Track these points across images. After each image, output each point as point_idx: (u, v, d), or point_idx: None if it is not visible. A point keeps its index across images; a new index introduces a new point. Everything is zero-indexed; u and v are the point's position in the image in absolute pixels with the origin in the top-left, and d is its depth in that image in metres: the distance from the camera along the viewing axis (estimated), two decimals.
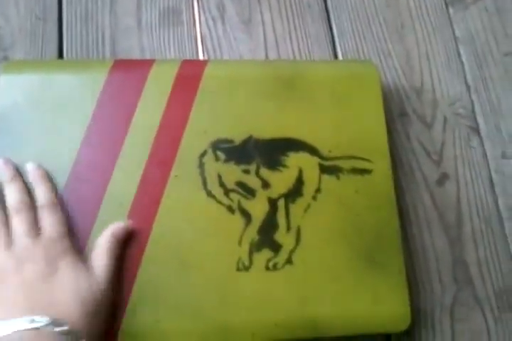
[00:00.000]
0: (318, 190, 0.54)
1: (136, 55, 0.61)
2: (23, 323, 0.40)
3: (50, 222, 0.47)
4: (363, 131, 0.57)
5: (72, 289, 0.44)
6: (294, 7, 0.66)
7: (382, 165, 0.56)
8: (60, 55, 0.61)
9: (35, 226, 0.46)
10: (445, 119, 0.64)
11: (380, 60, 0.65)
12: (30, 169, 0.50)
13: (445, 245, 0.59)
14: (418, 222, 0.59)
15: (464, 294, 0.57)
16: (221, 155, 0.53)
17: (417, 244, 0.58)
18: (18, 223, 0.45)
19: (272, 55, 0.63)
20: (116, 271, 0.47)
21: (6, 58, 0.59)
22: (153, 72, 0.55)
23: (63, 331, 0.40)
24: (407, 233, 0.58)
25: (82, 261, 0.47)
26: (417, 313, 0.55)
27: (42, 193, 0.48)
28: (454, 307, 0.56)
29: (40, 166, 0.50)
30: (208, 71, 0.56)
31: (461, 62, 0.67)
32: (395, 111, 0.63)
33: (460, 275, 0.57)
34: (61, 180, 0.52)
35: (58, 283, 0.44)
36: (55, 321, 0.41)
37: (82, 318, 0.43)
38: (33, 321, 0.40)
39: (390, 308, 0.51)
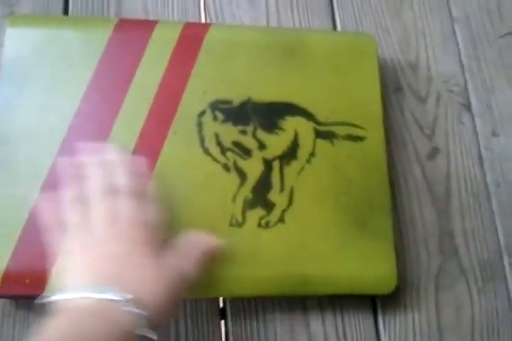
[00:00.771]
0: (312, 154, 0.54)
1: (140, 17, 0.62)
2: (100, 291, 0.36)
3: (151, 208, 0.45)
4: (359, 99, 0.58)
5: (170, 278, 0.41)
6: None
7: (375, 134, 0.57)
8: (66, 12, 0.61)
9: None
10: (439, 95, 0.65)
11: (378, 35, 0.66)
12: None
13: (433, 216, 0.59)
14: (408, 193, 0.60)
15: (450, 264, 0.58)
16: (219, 115, 0.54)
17: (405, 215, 0.59)
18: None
19: (273, 25, 0.64)
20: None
21: (12, 14, 0.60)
22: (156, 32, 0.56)
23: (140, 315, 0.36)
24: (396, 203, 0.59)
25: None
26: (403, 280, 0.56)
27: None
28: (439, 276, 0.57)
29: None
30: (210, 34, 0.57)
31: (457, 42, 0.68)
32: (390, 85, 0.64)
33: (446, 246, 0.58)
34: (60, 133, 0.52)
35: (160, 267, 0.41)
36: (138, 301, 0.37)
37: (163, 307, 0.39)
38: (113, 293, 0.36)
39: (377, 271, 0.52)
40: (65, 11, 0.61)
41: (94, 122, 0.52)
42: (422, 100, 0.64)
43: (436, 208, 0.60)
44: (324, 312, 0.54)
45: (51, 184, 0.50)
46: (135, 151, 0.52)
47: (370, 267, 0.52)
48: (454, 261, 0.58)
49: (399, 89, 0.64)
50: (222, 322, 0.52)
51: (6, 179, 0.50)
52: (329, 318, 0.54)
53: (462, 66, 0.67)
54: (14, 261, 0.48)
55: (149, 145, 0.52)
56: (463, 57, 0.67)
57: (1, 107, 0.52)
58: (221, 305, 0.53)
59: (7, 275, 0.48)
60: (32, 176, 0.50)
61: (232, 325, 0.52)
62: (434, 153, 0.62)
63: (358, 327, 0.54)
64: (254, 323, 0.53)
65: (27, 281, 0.47)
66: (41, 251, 0.46)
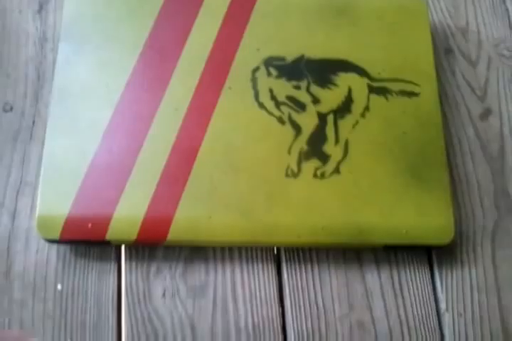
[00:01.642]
0: (366, 108, 0.54)
1: None
2: None
3: None
4: (412, 57, 0.57)
5: None
6: None
7: (429, 89, 0.56)
8: None
9: None
10: (489, 59, 0.64)
11: (428, 1, 0.65)
12: None
13: (487, 175, 0.58)
14: (462, 153, 0.59)
15: (506, 222, 0.57)
16: (273, 71, 0.54)
17: (460, 173, 0.58)
18: None
19: None
20: None
21: None
22: None
23: None
24: (450, 162, 0.58)
25: None
26: (459, 236, 0.55)
27: None
28: (496, 233, 0.56)
29: None
30: None
31: (506, 9, 0.67)
32: (441, 47, 0.63)
33: (502, 204, 0.57)
34: (119, 86, 0.53)
35: None
36: None
37: None
38: None
39: (434, 221, 0.51)
40: None
41: (151, 79, 0.53)
42: (473, 63, 0.63)
43: (490, 167, 0.59)
44: (380, 264, 0.53)
45: (111, 135, 0.51)
46: (192, 103, 0.52)
47: (427, 217, 0.52)
48: (510, 218, 0.56)
49: (449, 51, 0.63)
50: (278, 274, 0.51)
51: (68, 130, 0.51)
52: (385, 271, 0.53)
53: None
54: (76, 206, 0.49)
55: (205, 99, 0.52)
56: None
57: (61, 63, 0.53)
58: (277, 256, 0.52)
59: (70, 220, 0.48)
60: (92, 128, 0.51)
61: (288, 277, 0.52)
62: (486, 113, 0.61)
63: (414, 281, 0.53)
64: (310, 275, 0.52)
65: (89, 226, 0.47)
66: (103, 197, 0.46)
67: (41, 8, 0.61)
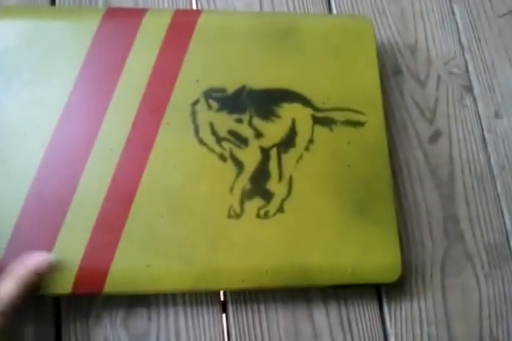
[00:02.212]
0: (310, 141, 0.52)
1: (129, 5, 0.59)
2: None
3: None
4: (357, 83, 0.55)
5: None
6: None
7: (375, 118, 0.54)
8: (53, 3, 0.58)
9: None
10: (439, 78, 0.62)
11: (375, 18, 0.63)
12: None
13: (437, 201, 0.57)
14: (410, 178, 0.58)
15: (455, 249, 0.56)
16: (214, 103, 0.52)
17: (408, 200, 0.57)
18: None
19: (267, 10, 0.61)
20: (22, 297, 0.42)
21: None
22: (146, 20, 0.54)
23: None
24: (399, 189, 0.56)
25: None
26: (408, 267, 0.54)
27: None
28: (445, 262, 0.55)
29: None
30: (202, 21, 0.55)
31: (456, 22, 0.65)
32: (389, 68, 0.61)
33: (451, 231, 0.56)
34: (50, 125, 0.50)
35: None
36: None
37: None
38: None
39: (380, 259, 0.50)
40: (52, 2, 0.58)
41: (85, 114, 0.50)
42: (422, 83, 0.62)
43: (439, 192, 0.57)
44: (328, 302, 0.52)
45: (41, 180, 0.48)
46: (127, 142, 0.49)
47: (373, 255, 0.50)
48: (460, 246, 0.56)
49: (398, 72, 0.61)
50: (224, 316, 0.49)
51: None
52: (333, 309, 0.52)
53: (462, 47, 0.64)
54: (7, 257, 0.46)
55: (142, 136, 0.50)
56: (462, 38, 0.65)
57: None
58: (222, 298, 0.50)
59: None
60: (21, 173, 0.48)
61: (234, 319, 0.50)
62: (436, 136, 0.60)
63: (363, 317, 0.52)
64: (257, 316, 0.51)
65: None
66: (34, 248, 0.45)
67: None
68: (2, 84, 0.50)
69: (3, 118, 0.49)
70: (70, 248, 0.46)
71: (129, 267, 0.46)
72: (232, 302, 0.51)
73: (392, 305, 0.53)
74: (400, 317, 0.53)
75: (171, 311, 0.50)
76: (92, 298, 0.49)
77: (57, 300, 0.50)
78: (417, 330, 0.53)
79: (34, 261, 0.44)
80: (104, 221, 0.47)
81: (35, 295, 0.45)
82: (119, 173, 0.49)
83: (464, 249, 0.56)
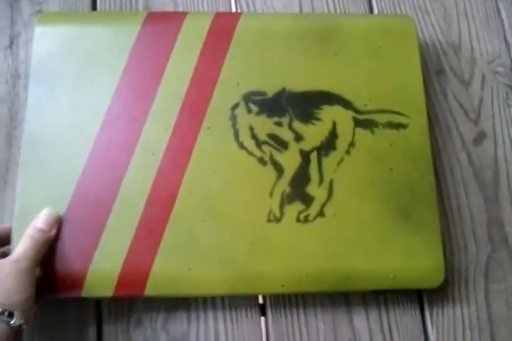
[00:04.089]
0: (352, 144, 0.50)
1: (169, 9, 0.58)
2: None
3: None
4: (400, 85, 0.53)
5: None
6: None
7: (418, 120, 0.52)
8: (94, 8, 0.58)
9: None
10: (483, 77, 0.59)
11: (417, 17, 0.61)
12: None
13: (481, 204, 0.55)
14: (454, 182, 0.55)
15: (500, 254, 0.53)
16: (253, 107, 0.50)
17: (452, 204, 0.54)
18: None
19: (306, 11, 0.59)
20: (37, 254, 0.44)
21: (40, 11, 0.57)
22: (187, 24, 0.53)
23: None
24: (442, 192, 0.54)
25: None
26: (451, 272, 0.52)
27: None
28: (489, 267, 0.53)
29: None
30: (241, 23, 0.53)
31: (501, 20, 0.62)
32: (432, 68, 0.59)
33: (496, 235, 0.54)
34: (92, 130, 0.50)
35: None
36: None
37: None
38: None
39: (423, 264, 0.48)
40: (93, 7, 0.58)
41: (126, 119, 0.49)
42: (466, 83, 0.59)
43: (483, 196, 0.55)
44: (368, 307, 0.51)
45: (84, 185, 0.48)
46: (168, 147, 0.49)
47: (415, 260, 0.49)
48: (505, 250, 0.53)
49: (441, 72, 0.59)
50: (263, 319, 0.48)
51: (40, 180, 0.48)
52: (373, 314, 0.50)
53: (508, 45, 0.61)
54: (51, 261, 0.47)
55: (182, 140, 0.49)
56: (508, 36, 0.62)
57: (32, 107, 0.50)
58: (261, 301, 0.49)
59: (44, 276, 0.46)
60: (65, 177, 0.48)
61: (273, 323, 0.49)
62: (480, 138, 0.57)
63: (404, 323, 0.50)
64: (296, 320, 0.50)
65: (65, 282, 0.47)
66: (77, 252, 0.47)
67: (12, 42, 0.57)
68: (45, 90, 0.50)
69: (46, 124, 0.49)
70: (112, 252, 0.46)
71: (170, 270, 0.46)
72: (271, 306, 0.50)
73: (434, 311, 0.51)
74: (441, 322, 0.51)
75: (210, 315, 0.50)
76: (133, 301, 0.49)
77: (99, 303, 0.49)
78: (460, 336, 0.51)
79: (41, 220, 0.46)
80: (145, 225, 0.46)
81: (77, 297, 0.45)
82: (160, 178, 0.48)
83: (508, 254, 0.54)
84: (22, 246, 0.43)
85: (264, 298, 0.50)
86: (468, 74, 0.60)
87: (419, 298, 0.51)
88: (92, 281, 0.45)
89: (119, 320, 0.48)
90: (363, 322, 0.50)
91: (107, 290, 0.45)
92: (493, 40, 0.62)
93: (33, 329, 0.48)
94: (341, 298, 0.50)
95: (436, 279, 0.48)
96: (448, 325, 0.51)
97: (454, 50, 0.61)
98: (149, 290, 0.45)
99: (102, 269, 0.46)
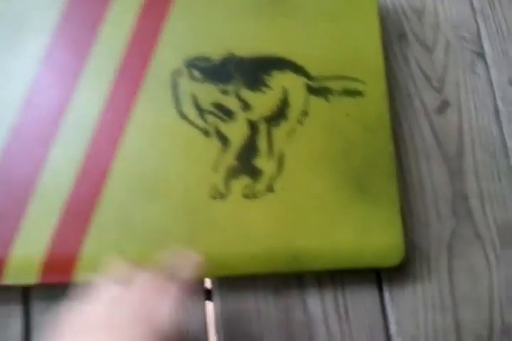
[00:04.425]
0: (304, 113, 0.46)
1: None
2: None
3: None
4: (356, 50, 0.49)
5: None
6: None
7: (376, 87, 0.48)
8: None
9: None
10: (448, 43, 0.55)
11: None
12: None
13: (444, 177, 0.51)
14: (415, 153, 0.51)
15: (464, 229, 0.50)
16: (197, 74, 0.45)
17: (413, 177, 0.50)
18: None
19: None
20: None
21: None
22: None
23: None
24: (403, 164, 0.50)
25: None
26: (412, 249, 0.48)
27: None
28: (453, 243, 0.49)
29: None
30: None
31: None
32: (394, 33, 0.55)
33: (460, 209, 0.50)
34: (17, 100, 0.45)
35: None
36: None
37: None
38: None
39: (381, 241, 0.44)
40: None
41: (55, 88, 0.44)
42: (429, 49, 0.55)
43: (447, 168, 0.51)
44: (323, 288, 0.47)
45: (7, 159, 0.44)
46: (101, 118, 0.43)
47: (373, 237, 0.45)
48: (469, 225, 0.50)
49: (403, 37, 0.54)
50: (211, 304, 0.44)
51: None
52: (329, 296, 0.47)
53: (473, 9, 0.58)
54: None
55: (117, 111, 0.44)
56: (474, 0, 0.56)
57: None
58: (208, 286, 0.44)
59: None
60: None
61: (221, 308, 0.44)
62: (444, 107, 0.53)
63: (361, 304, 0.47)
64: (246, 304, 0.45)
65: None
66: None
67: None
68: None
69: None
70: (36, 235, 0.41)
71: (101, 254, 0.41)
72: (218, 290, 0.45)
73: (394, 291, 0.48)
74: (402, 304, 0.48)
75: None
76: (64, 288, 0.44)
77: (27, 290, 0.45)
78: (421, 317, 0.47)
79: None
80: (73, 205, 0.42)
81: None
82: (91, 153, 0.43)
83: (473, 229, 0.50)
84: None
85: (212, 281, 0.45)
86: (431, 39, 0.56)
87: (377, 277, 0.47)
88: (14, 267, 0.41)
89: (49, 308, 0.43)
90: (317, 305, 0.46)
91: (31, 277, 0.41)
92: (458, 4, 0.57)
93: None
94: (294, 280, 0.46)
95: (394, 257, 0.44)
96: (409, 306, 0.48)
97: (416, 14, 0.56)
98: (78, 276, 0.40)
99: (25, 254, 0.41)
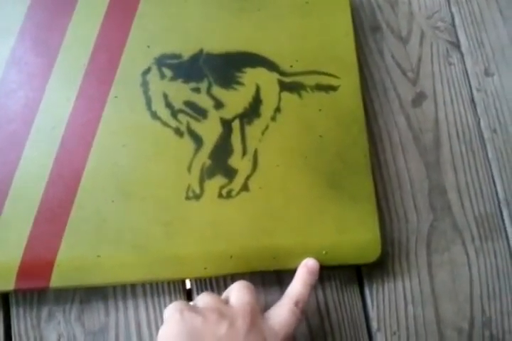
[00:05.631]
0: (277, 110, 0.48)
1: None
2: None
3: None
4: (329, 43, 0.51)
5: None
6: None
7: (350, 81, 0.50)
8: None
9: None
10: (422, 33, 0.58)
11: None
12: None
13: (421, 170, 0.54)
14: (392, 147, 0.54)
15: (442, 223, 0.52)
16: (167, 72, 0.48)
17: (390, 170, 0.53)
18: None
19: None
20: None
21: None
22: None
23: None
24: (379, 158, 0.53)
25: None
26: (390, 244, 0.51)
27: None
28: (432, 237, 0.52)
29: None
30: None
31: None
32: (367, 25, 0.57)
33: (438, 203, 0.53)
34: None
35: None
36: None
37: None
38: None
39: (358, 237, 0.47)
40: None
41: (22, 89, 0.46)
42: (404, 40, 0.57)
43: (424, 161, 0.54)
44: None
45: None
46: (71, 119, 0.46)
47: (350, 233, 0.47)
48: (447, 218, 0.53)
49: (377, 29, 0.57)
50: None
51: None
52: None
53: None
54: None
55: (87, 112, 0.46)
56: None
57: None
58: (188, 286, 0.47)
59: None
60: None
61: None
62: (419, 98, 0.56)
63: (342, 301, 0.50)
64: None
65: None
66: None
67: None
68: None
69: None
70: (9, 241, 0.43)
71: (77, 258, 0.44)
72: (197, 291, 0.48)
73: (374, 286, 0.51)
74: (382, 298, 0.51)
75: (131, 303, 0.48)
76: (43, 293, 0.46)
77: (6, 296, 0.47)
78: (402, 312, 0.50)
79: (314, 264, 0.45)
80: (47, 209, 0.44)
81: None
82: (62, 155, 0.45)
83: (452, 222, 0.53)
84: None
85: (191, 282, 0.48)
86: (405, 30, 0.58)
87: (357, 273, 0.50)
88: None
89: (29, 313, 0.46)
90: None
91: (7, 284, 0.43)
92: None
93: None
94: (273, 277, 0.48)
95: (372, 253, 0.47)
96: (389, 301, 0.50)
97: (390, 5, 0.59)
98: (55, 281, 0.43)
99: (0, 260, 0.42)
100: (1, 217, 0.43)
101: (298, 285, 0.43)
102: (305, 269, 0.45)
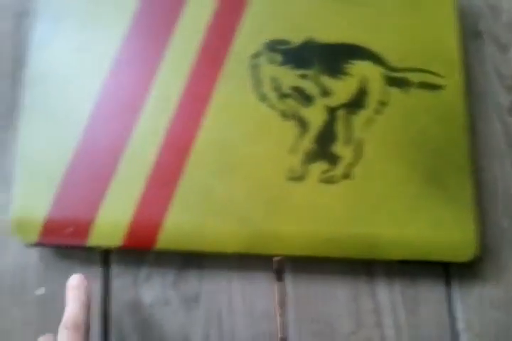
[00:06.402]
0: (382, 103, 0.51)
1: None
2: None
3: None
4: (434, 43, 0.54)
5: None
6: None
7: (454, 82, 0.53)
8: None
9: None
10: None
11: None
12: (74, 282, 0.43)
13: None
14: (487, 153, 0.56)
15: None
16: (277, 57, 0.51)
17: (486, 176, 0.55)
18: None
19: None
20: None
21: None
22: None
23: None
24: (476, 163, 0.54)
25: None
26: (483, 249, 0.52)
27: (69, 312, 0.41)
28: None
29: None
30: None
31: None
32: (468, 31, 0.60)
33: None
34: (102, 73, 0.51)
35: None
36: None
37: None
38: None
39: (453, 235, 0.49)
40: None
41: (139, 62, 0.49)
42: (505, 48, 0.59)
43: None
44: (392, 279, 0.51)
45: (93, 129, 0.49)
46: (184, 94, 0.49)
47: (445, 231, 0.49)
48: None
49: (477, 35, 0.60)
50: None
51: (45, 123, 0.49)
52: (397, 286, 0.51)
53: None
54: (55, 208, 0.48)
55: (200, 88, 0.49)
56: None
57: (36, 44, 0.50)
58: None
59: (48, 223, 0.47)
60: (71, 121, 0.49)
61: (292, 288, 0.51)
62: None
63: (429, 298, 0.51)
64: (315, 287, 0.51)
65: (70, 230, 0.47)
66: (84, 199, 0.46)
67: None
68: (51, 24, 0.50)
69: (51, 63, 0.49)
70: (122, 200, 0.47)
71: (183, 224, 0.47)
72: (289, 271, 0.50)
73: (463, 289, 0.52)
74: (469, 302, 0.52)
75: (224, 275, 0.51)
76: (143, 254, 0.50)
77: (107, 254, 0.50)
78: (487, 316, 0.51)
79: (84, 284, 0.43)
80: (158, 175, 0.47)
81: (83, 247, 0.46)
82: (174, 126, 0.49)
83: None
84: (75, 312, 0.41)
85: (280, 262, 0.50)
86: (506, 38, 0.60)
87: (446, 273, 0.52)
88: (99, 230, 0.46)
89: (128, 273, 0.50)
90: (386, 294, 0.51)
91: (116, 240, 0.46)
92: None
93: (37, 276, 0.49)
94: (363, 268, 0.51)
95: (466, 253, 0.49)
96: (476, 305, 0.52)
97: (492, 12, 0.61)
98: (160, 244, 0.46)
99: (111, 217, 0.47)
100: (115, 178, 0.46)
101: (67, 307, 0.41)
102: (69, 288, 0.42)
